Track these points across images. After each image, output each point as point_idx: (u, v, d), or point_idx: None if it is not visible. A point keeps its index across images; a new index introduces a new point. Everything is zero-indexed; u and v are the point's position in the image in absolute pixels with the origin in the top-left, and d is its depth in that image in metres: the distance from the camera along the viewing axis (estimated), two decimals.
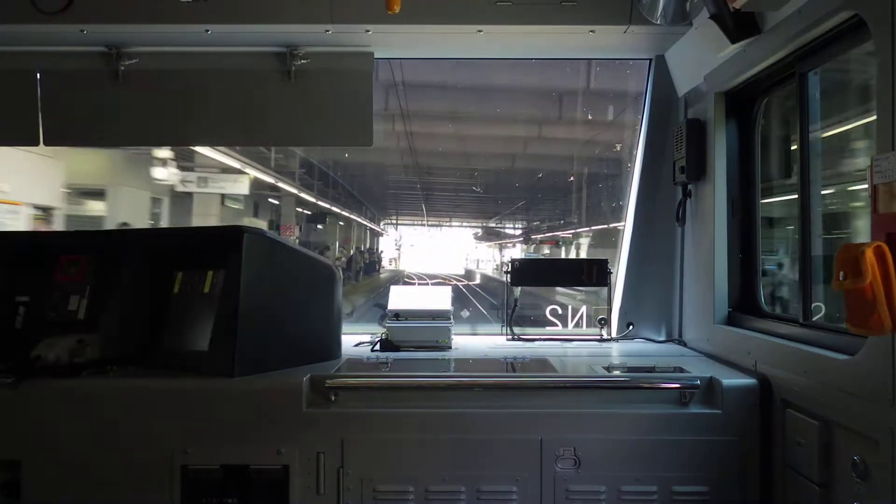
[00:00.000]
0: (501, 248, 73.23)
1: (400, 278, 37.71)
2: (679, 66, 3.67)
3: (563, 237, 38.93)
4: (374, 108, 3.78)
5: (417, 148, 24.95)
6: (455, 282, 48.97)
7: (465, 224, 78.22)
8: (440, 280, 48.42)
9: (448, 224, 73.90)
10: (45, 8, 3.02)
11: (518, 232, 59.26)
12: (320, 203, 30.98)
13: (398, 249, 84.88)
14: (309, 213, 33.58)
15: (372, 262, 48.35)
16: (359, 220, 49.88)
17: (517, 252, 64.62)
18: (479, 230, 75.52)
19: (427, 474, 2.69)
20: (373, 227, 61.75)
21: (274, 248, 2.99)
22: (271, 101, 3.75)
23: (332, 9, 3.36)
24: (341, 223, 43.86)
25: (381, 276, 49.43)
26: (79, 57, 3.68)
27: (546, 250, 46.24)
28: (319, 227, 33.78)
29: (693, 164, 3.43)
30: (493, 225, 67.55)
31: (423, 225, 74.39)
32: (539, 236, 45.70)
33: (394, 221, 67.97)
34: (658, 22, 3.28)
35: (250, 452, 2.66)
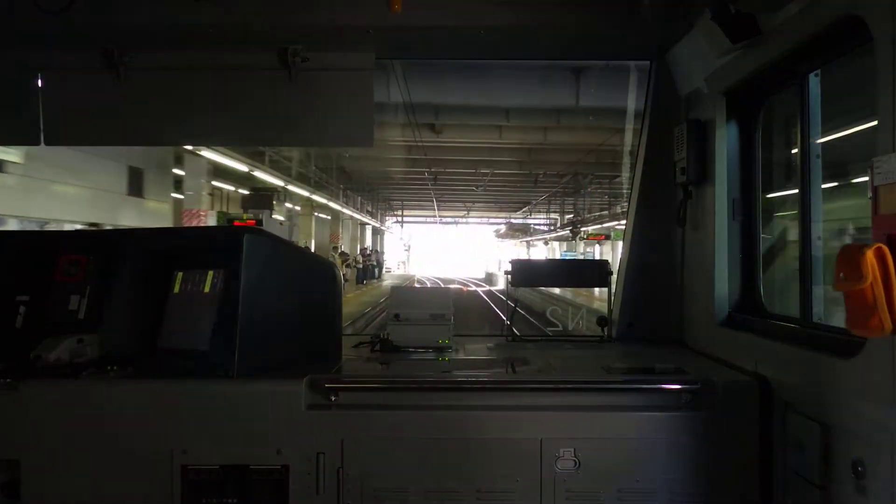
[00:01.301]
0: (529, 246, 65.11)
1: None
2: (680, 68, 3.67)
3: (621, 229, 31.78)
4: None
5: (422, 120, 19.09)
6: (474, 286, 44.01)
7: (486, 220, 67.39)
8: (458, 286, 42.82)
9: (464, 220, 64.49)
10: (46, 7, 3.02)
11: (550, 226, 50.80)
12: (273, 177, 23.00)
13: (407, 250, 77.23)
14: (246, 192, 24.91)
15: (365, 266, 42.24)
16: (352, 213, 42.87)
17: (546, 252, 56.61)
18: (503, 226, 66.48)
19: (427, 474, 2.69)
20: (373, 223, 54.59)
21: (274, 248, 2.99)
22: (272, 100, 3.75)
23: (334, 8, 3.35)
24: (320, 215, 36.77)
25: (384, 283, 43.24)
26: (80, 56, 3.68)
27: (586, 249, 39.21)
28: (278, 218, 24.89)
29: (694, 165, 3.43)
30: (521, 219, 58.28)
31: (435, 220, 65.09)
32: (590, 228, 35.80)
33: (399, 217, 58.83)
34: (658, 23, 3.29)
35: (250, 453, 2.66)
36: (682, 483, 2.67)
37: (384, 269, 58.29)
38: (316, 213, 36.35)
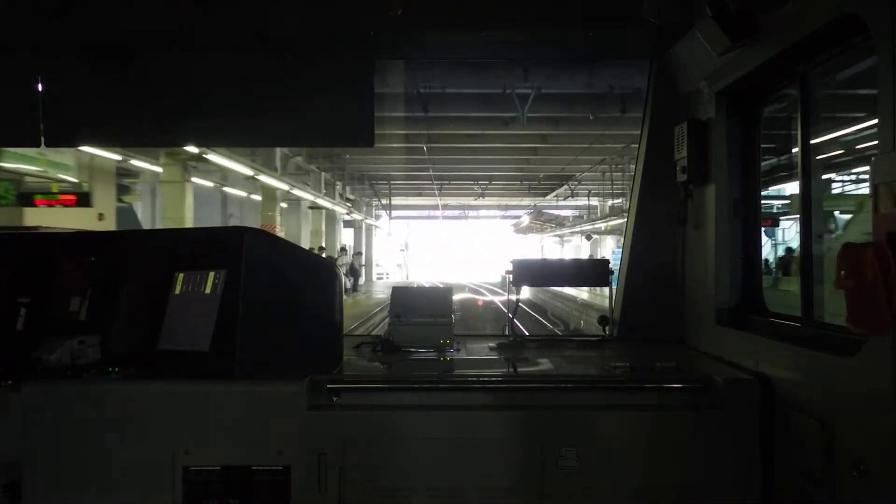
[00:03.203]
0: (563, 241, 52.08)
1: None
2: (680, 66, 3.67)
3: None
4: None
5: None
6: (490, 295, 36.33)
7: (502, 211, 52.51)
8: (471, 295, 36.50)
9: (475, 209, 50.62)
10: (46, 8, 3.02)
11: (588, 212, 37.03)
12: None
13: (403, 250, 70.67)
14: None
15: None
16: (299, 192, 24.94)
17: (591, 249, 43.23)
18: (524, 216, 52.07)
19: (428, 474, 2.69)
20: (340, 209, 35.36)
21: (275, 249, 2.99)
22: (272, 101, 3.75)
23: (334, 9, 3.36)
24: (229, 189, 24.31)
25: (373, 296, 31.86)
26: (79, 57, 3.68)
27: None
28: (69, 179, 14.79)
29: (694, 164, 3.43)
30: (552, 204, 43.41)
31: (437, 212, 51.79)
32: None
33: (386, 206, 41.59)
34: (658, 21, 3.28)
35: (251, 453, 2.66)
36: (683, 482, 2.67)
37: (374, 275, 46.29)
38: (232, 189, 23.97)
